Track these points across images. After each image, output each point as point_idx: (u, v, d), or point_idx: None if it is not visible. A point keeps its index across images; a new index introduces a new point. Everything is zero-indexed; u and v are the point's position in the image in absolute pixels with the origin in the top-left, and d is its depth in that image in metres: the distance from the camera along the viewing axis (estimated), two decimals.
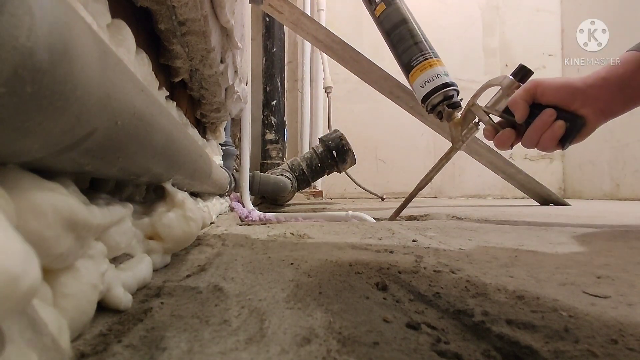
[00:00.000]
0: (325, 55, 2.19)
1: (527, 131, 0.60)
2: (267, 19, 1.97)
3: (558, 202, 1.51)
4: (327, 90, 2.29)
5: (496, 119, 0.67)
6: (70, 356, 0.18)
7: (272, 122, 1.99)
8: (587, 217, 0.94)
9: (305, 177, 1.52)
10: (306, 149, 2.23)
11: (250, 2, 0.94)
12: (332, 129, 1.81)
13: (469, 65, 2.54)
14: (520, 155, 2.64)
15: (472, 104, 0.72)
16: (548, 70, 2.60)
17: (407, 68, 0.87)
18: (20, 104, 0.13)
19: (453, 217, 1.00)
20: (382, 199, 2.11)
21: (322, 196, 2.18)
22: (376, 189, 2.20)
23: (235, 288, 0.30)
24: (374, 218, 0.94)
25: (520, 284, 0.31)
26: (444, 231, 0.65)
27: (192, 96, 0.79)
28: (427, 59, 0.85)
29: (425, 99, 0.84)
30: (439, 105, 0.83)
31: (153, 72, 0.47)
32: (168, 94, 0.56)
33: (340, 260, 0.40)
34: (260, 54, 2.01)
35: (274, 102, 2.00)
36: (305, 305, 0.26)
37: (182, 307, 0.25)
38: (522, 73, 0.65)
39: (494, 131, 0.65)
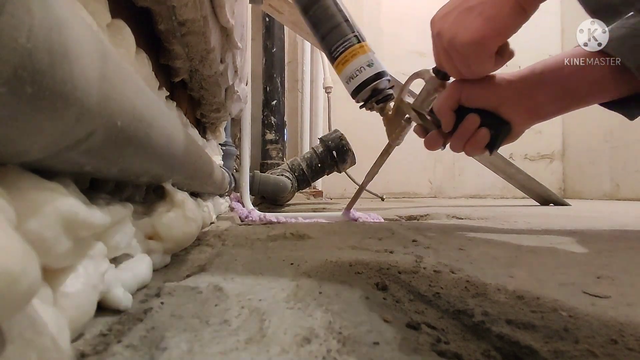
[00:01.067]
0: (325, 55, 2.19)
1: (452, 138, 0.57)
2: (267, 19, 1.97)
3: (558, 202, 1.51)
4: (327, 90, 2.29)
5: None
6: (70, 356, 0.18)
7: (272, 122, 2.00)
8: (587, 217, 0.94)
9: (305, 177, 1.52)
10: (306, 149, 2.23)
11: (250, 2, 0.94)
12: (332, 129, 1.81)
13: None
14: (520, 155, 2.64)
15: (400, 100, 0.66)
16: None
17: (330, 59, 0.72)
18: (20, 105, 0.13)
19: (453, 217, 1.00)
20: (382, 199, 2.11)
21: (322, 196, 2.18)
22: (376, 189, 2.20)
23: (235, 288, 0.30)
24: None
25: (520, 284, 0.31)
26: (444, 231, 0.65)
27: (192, 96, 0.79)
28: (348, 47, 0.70)
29: (355, 93, 0.71)
30: (369, 102, 0.72)
31: (153, 72, 0.47)
32: (168, 94, 0.56)
33: (340, 260, 0.40)
34: (260, 54, 2.01)
35: (274, 102, 2.00)
36: (305, 305, 0.26)
37: (182, 307, 0.25)
38: (442, 74, 0.58)
39: (423, 132, 0.61)
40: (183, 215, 0.36)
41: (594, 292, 0.29)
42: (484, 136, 0.54)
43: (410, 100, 0.64)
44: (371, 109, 0.73)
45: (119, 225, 0.27)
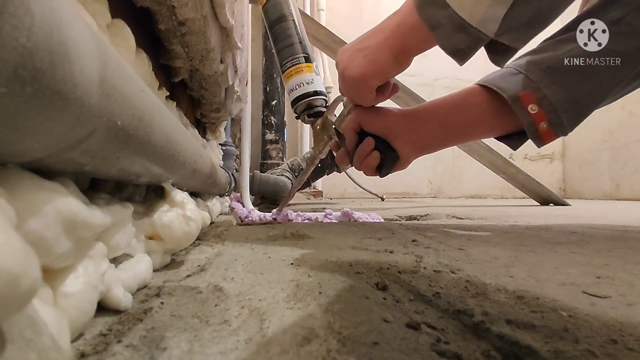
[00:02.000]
0: (325, 55, 2.19)
1: (354, 156, 0.63)
2: None
3: (558, 202, 1.51)
4: (327, 90, 2.29)
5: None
6: (71, 356, 0.18)
7: (272, 122, 1.99)
8: (587, 217, 0.94)
9: None
10: (306, 149, 2.23)
11: (250, 2, 0.94)
12: None
13: (469, 65, 2.53)
14: (520, 155, 2.64)
15: (325, 117, 0.73)
16: None
17: (280, 71, 0.84)
18: (20, 104, 0.13)
19: (453, 217, 1.00)
20: (382, 199, 2.11)
21: (322, 196, 2.18)
22: (376, 189, 2.20)
23: (235, 288, 0.30)
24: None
25: (520, 284, 0.31)
26: (444, 231, 0.65)
27: (192, 96, 0.79)
28: (295, 64, 0.80)
29: (292, 104, 0.82)
30: (302, 114, 0.81)
31: (153, 72, 0.47)
32: (168, 94, 0.56)
33: (340, 260, 0.40)
34: (260, 54, 2.01)
35: (274, 102, 2.00)
36: (305, 305, 0.26)
37: (182, 307, 0.25)
38: None
39: (337, 147, 0.69)
40: (183, 215, 0.36)
41: (594, 292, 0.29)
42: (375, 159, 0.59)
43: (333, 119, 0.71)
44: (303, 120, 0.82)
45: (119, 225, 0.27)
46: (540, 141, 0.54)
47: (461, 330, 0.23)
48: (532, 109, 0.52)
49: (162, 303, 0.26)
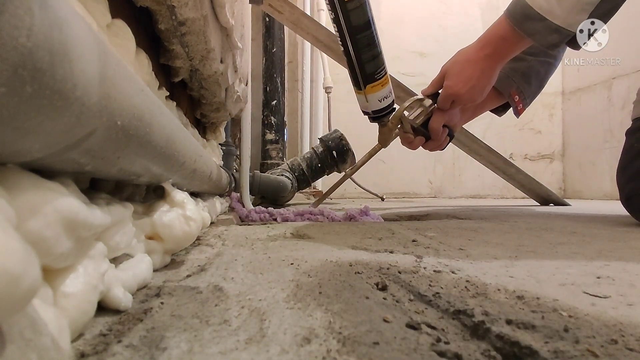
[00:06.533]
0: (325, 55, 2.19)
1: (430, 142, 0.89)
2: (267, 19, 1.97)
3: (558, 202, 1.51)
4: (327, 90, 2.29)
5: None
6: (71, 356, 0.18)
7: (272, 122, 1.99)
8: (588, 217, 0.94)
9: (305, 177, 1.52)
10: (306, 149, 2.23)
11: (250, 2, 0.94)
12: (332, 129, 1.81)
13: None
14: (520, 155, 2.64)
15: (401, 115, 0.88)
16: None
17: (368, 79, 0.83)
18: (20, 104, 0.13)
19: (453, 217, 1.00)
20: (382, 199, 2.11)
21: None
22: (376, 189, 2.20)
23: (236, 288, 0.30)
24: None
25: (520, 284, 0.31)
26: (444, 231, 0.65)
27: (192, 96, 0.79)
28: (383, 75, 0.84)
29: (379, 111, 0.88)
30: (382, 118, 0.90)
31: (153, 72, 0.47)
32: (168, 94, 0.56)
33: (340, 260, 0.40)
34: (260, 54, 2.01)
35: (274, 102, 2.00)
36: (305, 305, 0.26)
37: (182, 307, 0.25)
38: (436, 97, 0.86)
39: (410, 138, 0.89)
40: (183, 215, 0.36)
41: (594, 292, 0.29)
42: (447, 140, 0.91)
43: (406, 115, 0.88)
44: (379, 122, 0.93)
45: (119, 225, 0.27)
46: (517, 114, 0.98)
47: (461, 330, 0.23)
48: (516, 98, 0.95)
49: (162, 303, 0.26)
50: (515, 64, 0.92)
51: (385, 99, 0.86)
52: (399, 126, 0.90)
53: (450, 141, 0.92)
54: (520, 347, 0.20)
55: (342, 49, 0.82)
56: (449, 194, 2.60)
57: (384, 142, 0.94)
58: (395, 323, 0.23)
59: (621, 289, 0.30)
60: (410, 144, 0.91)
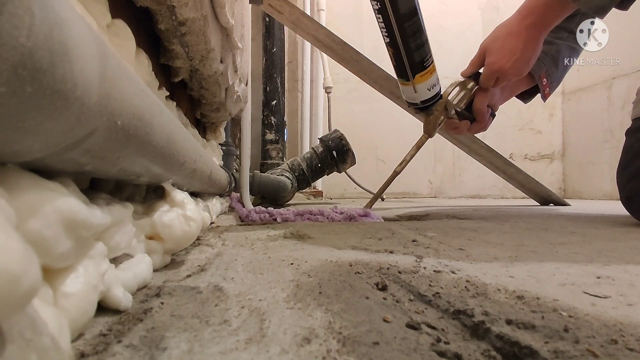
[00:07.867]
0: (325, 55, 2.19)
1: (475, 124, 0.89)
2: (267, 19, 1.97)
3: (558, 202, 1.51)
4: (327, 90, 2.29)
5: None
6: (71, 356, 0.18)
7: (272, 122, 1.99)
8: (588, 217, 0.94)
9: (305, 177, 1.52)
10: (306, 149, 2.23)
11: (250, 2, 0.94)
12: (332, 129, 1.81)
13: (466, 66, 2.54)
14: (520, 155, 2.64)
15: (447, 101, 0.86)
16: None
17: (417, 68, 0.81)
18: (20, 104, 0.13)
19: (453, 217, 0.99)
20: (382, 199, 2.11)
21: (322, 196, 2.18)
22: (376, 189, 2.18)
23: (236, 288, 0.30)
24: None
25: (520, 284, 0.31)
26: (444, 231, 0.65)
27: (192, 96, 0.79)
28: (431, 63, 0.83)
29: (427, 100, 0.85)
30: (433, 105, 0.87)
31: (153, 72, 0.47)
32: (168, 94, 0.56)
33: (340, 260, 0.40)
34: (260, 54, 2.01)
35: (274, 102, 2.00)
36: (305, 305, 0.26)
37: (182, 307, 0.25)
38: (477, 77, 0.84)
39: (456, 123, 0.88)
40: (183, 215, 0.36)
41: (594, 292, 0.29)
42: (490, 120, 0.91)
43: (449, 99, 0.86)
44: (426, 112, 0.90)
45: (119, 225, 0.27)
46: (544, 98, 0.98)
47: (461, 330, 0.23)
48: (544, 81, 0.93)
49: (162, 303, 0.26)
50: (546, 46, 0.87)
51: (433, 87, 0.84)
52: (444, 114, 0.88)
53: (492, 121, 0.92)
54: (520, 347, 0.20)
55: (387, 40, 0.79)
56: (449, 194, 2.60)
57: (431, 131, 0.91)
58: (395, 323, 0.23)
59: (621, 289, 0.30)
60: (456, 130, 0.89)
